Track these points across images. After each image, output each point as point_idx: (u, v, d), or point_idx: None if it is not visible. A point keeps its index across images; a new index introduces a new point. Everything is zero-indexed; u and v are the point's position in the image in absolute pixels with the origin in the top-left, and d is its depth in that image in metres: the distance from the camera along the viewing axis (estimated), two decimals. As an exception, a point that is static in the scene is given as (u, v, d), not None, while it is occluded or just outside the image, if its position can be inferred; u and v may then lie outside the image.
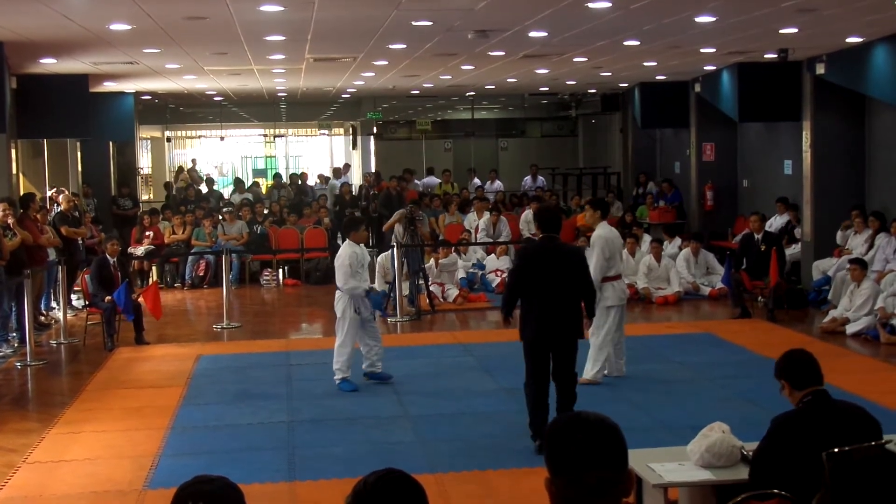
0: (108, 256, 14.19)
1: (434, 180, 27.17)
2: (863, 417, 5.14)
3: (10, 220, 13.57)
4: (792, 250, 17.15)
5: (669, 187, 22.60)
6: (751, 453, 5.56)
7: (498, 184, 26.55)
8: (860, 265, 13.77)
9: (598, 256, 10.89)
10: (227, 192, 27.55)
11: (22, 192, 16.35)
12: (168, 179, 30.85)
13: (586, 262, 9.09)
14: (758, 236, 15.45)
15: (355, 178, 31.64)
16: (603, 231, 11.09)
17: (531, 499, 7.28)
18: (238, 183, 27.96)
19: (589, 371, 10.91)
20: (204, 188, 27.43)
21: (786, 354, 5.46)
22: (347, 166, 30.03)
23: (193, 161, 35.67)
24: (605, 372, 11.13)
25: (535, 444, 8.51)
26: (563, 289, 8.62)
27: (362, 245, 11.34)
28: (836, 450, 4.34)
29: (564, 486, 2.83)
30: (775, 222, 17.91)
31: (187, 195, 25.11)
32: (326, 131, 38.82)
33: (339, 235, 21.92)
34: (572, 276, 8.69)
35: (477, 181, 26.59)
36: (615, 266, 11.07)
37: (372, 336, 11.28)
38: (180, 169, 33.86)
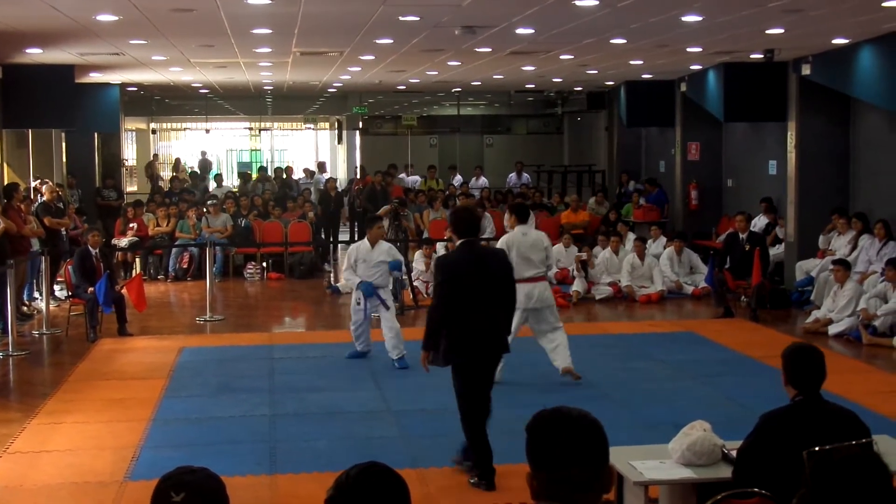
0: (89, 248, 14.15)
1: (416, 179, 27.18)
2: (852, 421, 5.13)
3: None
4: (775, 250, 17.21)
5: (651, 187, 22.65)
6: (732, 452, 5.57)
7: (483, 180, 26.56)
8: (843, 266, 13.82)
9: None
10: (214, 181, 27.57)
11: (6, 182, 16.29)
12: (152, 171, 30.80)
13: (510, 266, 8.23)
14: (742, 236, 15.51)
15: (340, 174, 31.62)
16: (510, 235, 10.78)
17: (512, 494, 7.30)
18: (218, 177, 27.95)
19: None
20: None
21: (789, 347, 5.40)
22: (323, 164, 29.95)
23: (175, 158, 35.56)
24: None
25: (478, 482, 7.68)
26: (492, 298, 7.72)
27: (381, 242, 12.10)
28: (816, 448, 4.36)
29: (545, 480, 2.85)
30: (759, 222, 17.97)
31: (172, 188, 25.05)
32: (312, 126, 38.74)
33: (322, 230, 21.95)
34: (500, 283, 7.78)
35: (459, 178, 26.59)
36: (521, 270, 10.33)
37: (386, 326, 11.95)
38: (177, 161, 33.86)
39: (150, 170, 30.92)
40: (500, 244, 10.83)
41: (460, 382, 7.81)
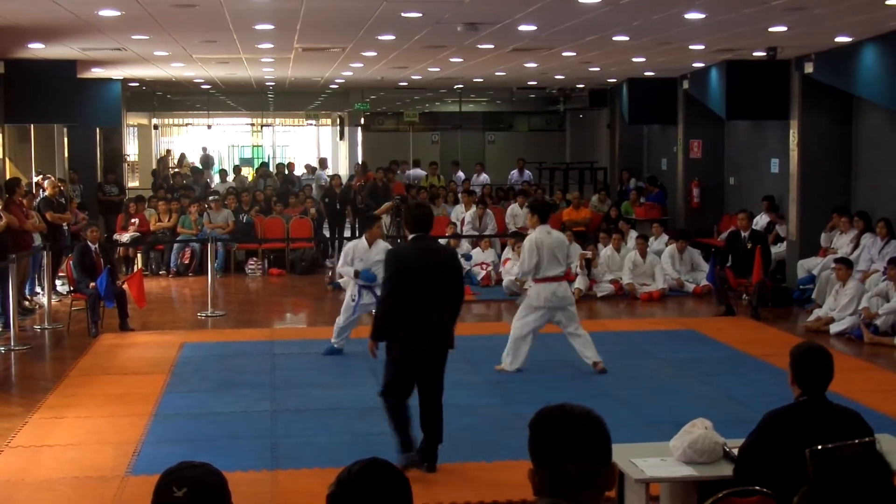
0: (89, 243, 14.15)
1: (420, 172, 27.17)
2: (856, 422, 5.12)
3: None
4: (777, 249, 17.21)
5: (651, 187, 22.64)
6: (733, 450, 5.57)
7: (484, 177, 26.54)
8: (845, 265, 13.81)
9: (524, 258, 11.12)
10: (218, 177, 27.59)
11: (8, 177, 16.30)
12: (154, 167, 30.83)
13: (461, 267, 8.33)
14: (744, 234, 15.50)
15: (342, 170, 31.61)
16: (537, 234, 11.08)
17: (514, 490, 7.30)
18: (222, 173, 27.95)
19: (506, 361, 11.36)
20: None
21: (798, 346, 5.37)
22: (324, 160, 29.99)
23: (178, 153, 35.57)
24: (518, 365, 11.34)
25: (404, 457, 7.70)
26: (440, 294, 7.76)
27: (379, 241, 12.13)
28: (818, 447, 4.35)
29: (548, 477, 2.85)
30: (761, 220, 17.97)
31: (174, 183, 25.05)
32: (314, 121, 38.76)
33: (325, 226, 21.94)
34: (448, 279, 7.83)
35: (461, 174, 26.58)
36: (548, 269, 11.02)
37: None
38: (182, 156, 33.92)
39: (162, 165, 30.98)
40: (527, 244, 11.10)
41: (393, 374, 7.85)
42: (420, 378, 7.89)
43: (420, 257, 7.77)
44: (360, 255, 11.98)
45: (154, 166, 31.83)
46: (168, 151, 34.62)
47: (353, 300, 12.02)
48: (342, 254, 12.40)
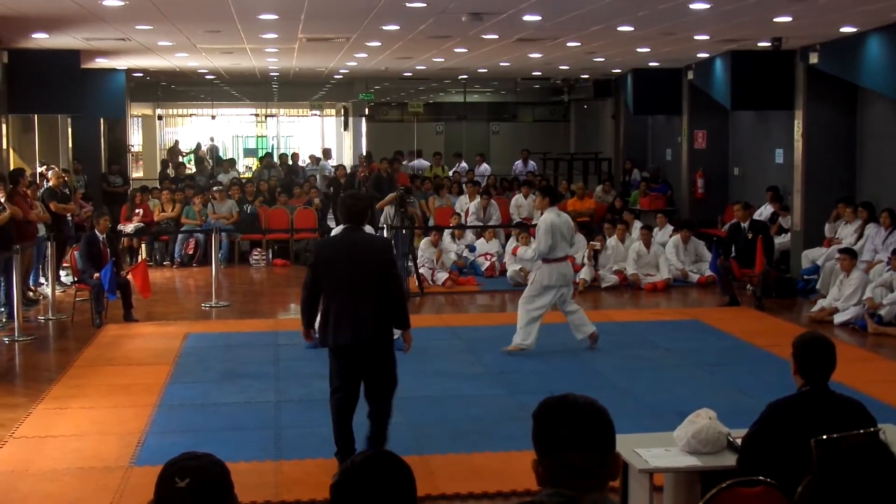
0: (97, 233, 14.16)
1: (424, 163, 27.15)
2: (859, 412, 5.11)
3: (2, 196, 13.54)
4: (781, 239, 17.19)
5: (654, 182, 22.60)
6: (737, 440, 5.57)
7: (485, 167, 26.53)
8: (850, 255, 13.79)
9: (541, 239, 11.49)
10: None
11: (12, 168, 16.30)
12: (164, 157, 30.89)
13: (392, 258, 7.95)
14: (744, 224, 15.48)
15: (346, 160, 31.59)
16: (550, 216, 11.60)
17: (518, 481, 7.30)
18: (230, 162, 28.02)
19: (518, 339, 11.66)
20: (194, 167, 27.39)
21: (801, 336, 5.36)
22: (329, 151, 30.00)
23: (176, 142, 35.59)
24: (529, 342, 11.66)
25: (337, 457, 7.56)
26: (364, 287, 7.47)
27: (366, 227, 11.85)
28: (824, 437, 4.34)
29: (552, 467, 2.85)
30: (765, 211, 17.95)
31: (179, 173, 25.06)
32: (318, 112, 38.74)
33: (329, 216, 21.93)
34: (374, 274, 7.50)
35: (464, 165, 26.56)
36: (559, 249, 11.57)
37: None
38: (199, 146, 33.94)
39: (172, 154, 31.01)
40: (542, 225, 11.51)
41: (330, 366, 7.75)
42: (361, 375, 7.62)
43: (344, 248, 7.57)
44: None
45: (159, 156, 31.87)
46: (176, 142, 34.64)
47: None
48: None
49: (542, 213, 11.89)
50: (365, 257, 7.52)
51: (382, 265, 7.56)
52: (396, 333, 7.90)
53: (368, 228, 11.83)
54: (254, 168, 28.59)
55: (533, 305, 11.70)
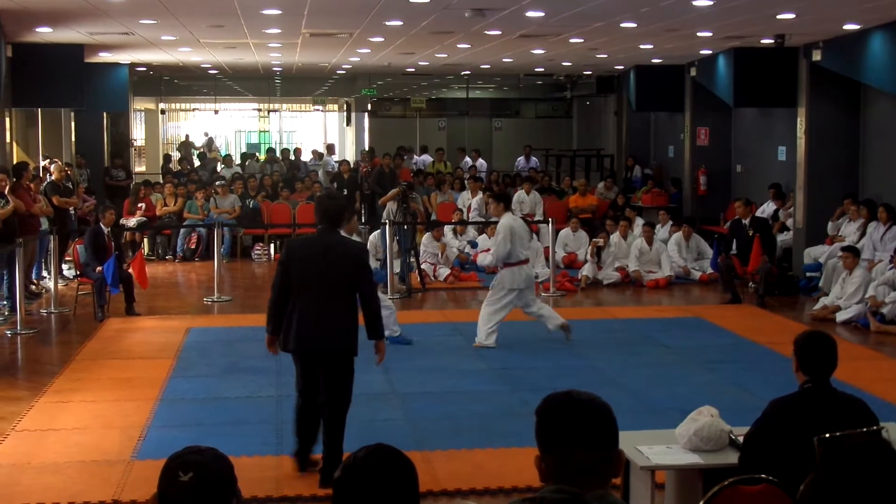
0: (102, 226, 14.16)
1: (427, 158, 27.16)
2: (861, 409, 5.11)
3: (5, 189, 13.55)
4: (783, 237, 17.18)
5: (657, 183, 22.59)
6: (739, 438, 5.57)
7: (481, 162, 26.52)
8: (852, 253, 13.79)
9: (499, 245, 11.80)
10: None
11: (15, 161, 16.31)
12: (167, 152, 30.95)
13: (367, 263, 7.53)
14: (745, 221, 15.47)
15: (349, 156, 31.59)
16: (507, 221, 11.86)
17: (519, 477, 7.30)
18: (227, 159, 28.06)
19: (481, 338, 11.84)
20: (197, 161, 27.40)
21: (805, 333, 5.37)
22: (332, 146, 30.03)
23: (187, 136, 35.64)
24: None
25: (295, 462, 7.55)
26: (331, 291, 7.19)
27: (354, 236, 11.84)
28: (827, 435, 4.35)
29: (554, 463, 2.85)
30: (767, 208, 17.94)
31: (182, 168, 25.08)
32: (321, 107, 38.74)
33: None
34: (346, 279, 7.22)
35: (468, 160, 26.55)
36: (518, 253, 11.80)
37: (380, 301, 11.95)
38: (211, 140, 33.98)
39: (185, 149, 31.06)
40: (501, 231, 11.77)
41: (295, 369, 7.50)
42: (320, 382, 7.32)
43: (312, 250, 7.27)
44: None
45: (162, 151, 31.88)
46: (187, 136, 34.70)
47: None
48: (369, 245, 12.34)
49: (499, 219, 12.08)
50: (338, 261, 7.21)
51: (356, 271, 7.27)
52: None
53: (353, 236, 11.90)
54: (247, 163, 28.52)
55: (496, 307, 11.89)
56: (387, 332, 11.66)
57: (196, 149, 31.88)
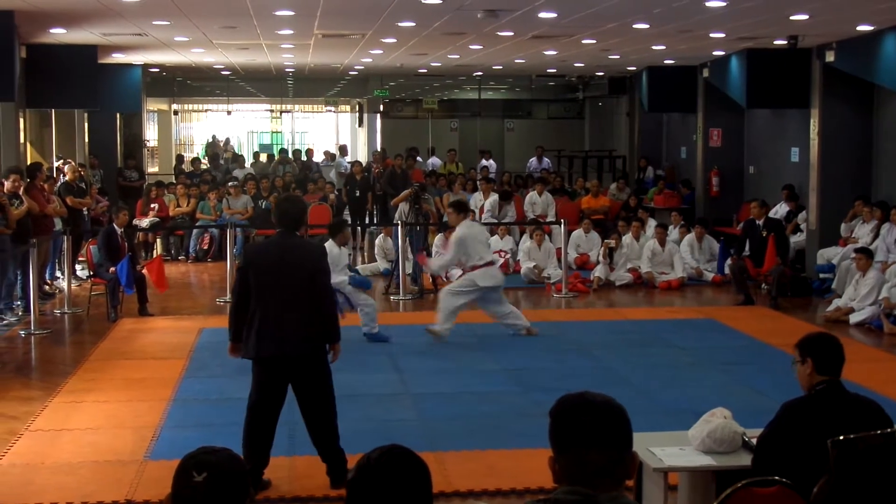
0: (115, 227, 14.20)
1: (438, 161, 27.18)
2: (875, 411, 5.09)
3: (19, 189, 13.59)
4: (796, 238, 17.14)
5: (668, 184, 22.56)
6: (752, 440, 5.56)
7: (490, 163, 26.50)
8: (866, 254, 13.74)
9: (450, 252, 12.37)
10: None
11: (29, 162, 16.36)
12: (179, 152, 31.02)
13: (325, 267, 7.27)
14: (759, 223, 15.44)
15: (361, 157, 31.62)
16: (462, 230, 12.20)
17: (532, 478, 7.30)
18: (239, 159, 28.13)
19: (437, 327, 12.14)
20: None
21: (818, 334, 5.37)
22: (344, 147, 30.09)
23: (213, 137, 35.74)
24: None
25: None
26: (293, 295, 7.04)
27: (342, 248, 12.23)
28: (841, 438, 4.34)
29: (568, 465, 2.85)
30: (780, 209, 17.90)
31: (194, 169, 25.13)
32: (333, 108, 38.78)
33: (346, 213, 21.95)
34: (304, 282, 7.05)
35: (492, 163, 26.51)
36: (479, 257, 12.21)
37: (362, 300, 12.20)
38: (227, 140, 34.08)
39: (213, 149, 31.14)
40: (454, 240, 12.17)
41: (253, 380, 7.31)
42: (295, 391, 7.24)
43: (275, 254, 7.12)
44: (335, 260, 11.31)
45: (174, 151, 31.95)
46: (213, 136, 34.83)
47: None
48: (377, 248, 12.51)
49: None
50: (296, 264, 7.05)
51: (313, 274, 7.07)
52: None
53: (335, 246, 11.88)
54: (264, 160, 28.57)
55: (458, 301, 12.18)
56: (365, 329, 11.99)
57: (223, 150, 31.98)
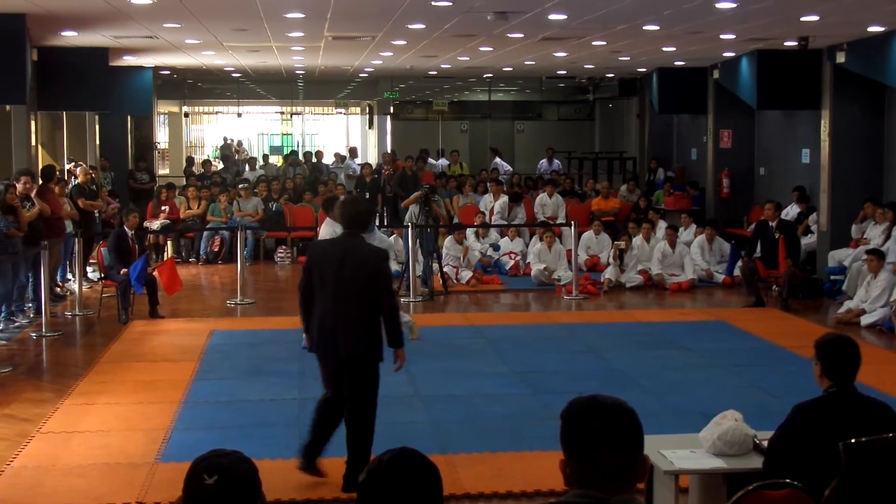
0: (126, 229, 14.24)
1: (445, 162, 27.19)
2: (887, 414, 5.07)
3: (32, 192, 13.63)
4: (807, 240, 17.11)
5: (676, 185, 22.54)
6: (763, 442, 5.55)
7: (498, 162, 26.49)
8: (877, 256, 13.71)
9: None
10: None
11: (41, 165, 16.41)
12: (190, 154, 31.06)
13: (387, 271, 7.34)
14: (772, 224, 15.41)
15: (371, 158, 31.64)
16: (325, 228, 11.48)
17: (543, 481, 7.30)
18: (251, 161, 28.18)
19: None
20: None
21: (830, 337, 5.35)
22: (354, 149, 30.14)
23: (225, 138, 35.81)
24: None
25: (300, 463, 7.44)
26: (351, 298, 7.11)
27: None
28: (853, 440, 4.32)
29: (580, 467, 2.85)
30: (791, 211, 17.87)
31: (205, 171, 25.18)
32: (343, 110, 38.81)
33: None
34: (364, 286, 7.10)
35: (507, 166, 26.50)
36: None
37: None
38: (240, 143, 34.14)
39: (226, 151, 31.17)
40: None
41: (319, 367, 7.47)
42: (342, 389, 7.30)
43: (337, 253, 7.20)
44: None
45: (185, 153, 31.98)
46: (225, 138, 34.92)
47: None
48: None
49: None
50: (357, 266, 7.12)
51: (374, 278, 7.14)
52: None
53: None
54: (278, 164, 28.60)
55: None
56: None
57: (237, 153, 32.02)
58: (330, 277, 7.16)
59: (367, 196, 21.76)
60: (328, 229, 11.16)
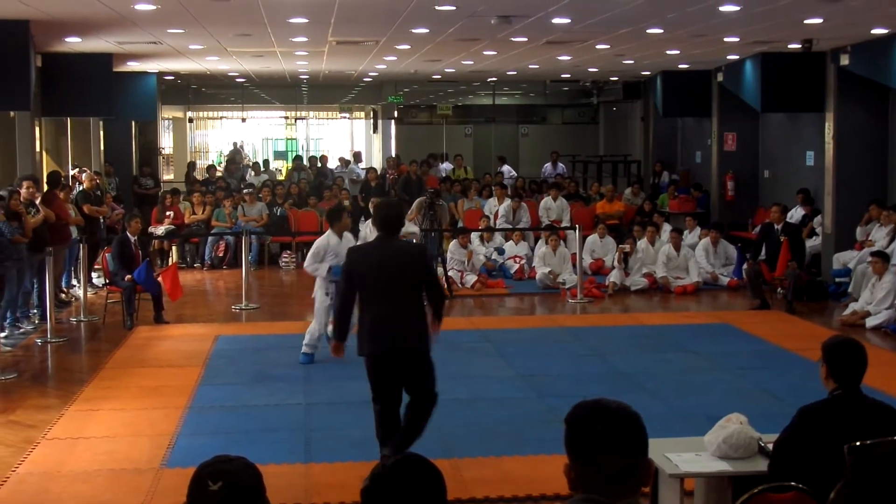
0: (129, 235, 14.25)
1: (449, 166, 27.19)
2: (891, 415, 5.07)
3: (36, 198, 13.64)
4: (812, 242, 17.09)
5: (680, 189, 22.53)
6: (769, 445, 5.54)
7: (506, 168, 26.51)
8: (882, 258, 13.70)
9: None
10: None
11: (45, 171, 16.43)
12: (193, 159, 31.08)
13: (429, 261, 7.88)
14: (777, 227, 15.40)
15: (375, 163, 31.65)
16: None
17: (548, 485, 7.29)
18: (255, 166, 28.18)
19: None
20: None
21: (837, 340, 5.35)
22: (359, 154, 30.14)
23: (234, 144, 35.83)
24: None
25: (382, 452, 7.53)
26: (400, 294, 7.42)
27: (346, 234, 11.85)
28: (858, 443, 4.32)
29: (584, 472, 2.85)
30: (796, 213, 17.86)
31: (209, 176, 25.19)
32: (347, 115, 38.81)
33: (361, 220, 21.96)
34: (411, 282, 7.44)
35: (507, 169, 26.49)
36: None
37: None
38: (242, 147, 34.28)
39: (236, 156, 31.19)
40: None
41: (369, 376, 7.60)
42: (403, 382, 7.57)
43: (377, 255, 7.47)
44: (333, 249, 11.44)
45: (189, 159, 31.99)
46: (234, 143, 34.99)
47: (328, 294, 11.62)
48: (311, 252, 11.75)
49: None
50: (399, 266, 7.43)
51: (419, 272, 7.48)
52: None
53: (334, 235, 11.78)
54: (283, 170, 28.64)
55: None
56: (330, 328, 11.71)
57: (247, 160, 32.00)
58: (374, 281, 7.42)
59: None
60: (325, 239, 11.56)
